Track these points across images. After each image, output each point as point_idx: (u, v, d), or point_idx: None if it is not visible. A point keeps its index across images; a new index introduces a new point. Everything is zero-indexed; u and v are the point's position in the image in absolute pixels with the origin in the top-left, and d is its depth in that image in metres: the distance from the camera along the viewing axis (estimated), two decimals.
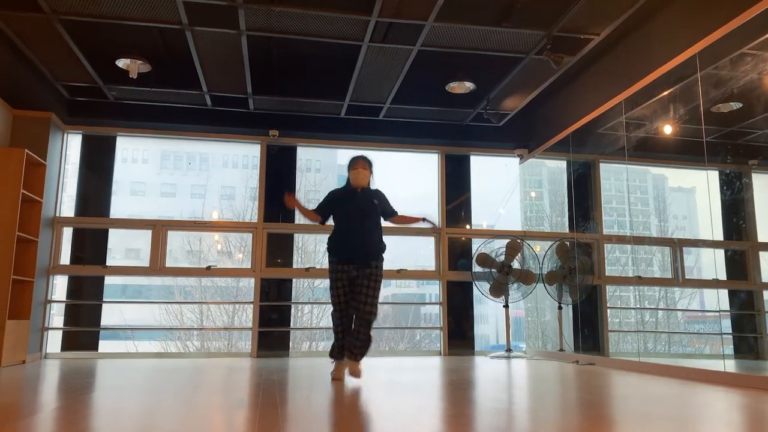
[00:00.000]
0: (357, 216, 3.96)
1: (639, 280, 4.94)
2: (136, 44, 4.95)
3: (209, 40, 4.82)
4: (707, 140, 4.07)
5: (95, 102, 6.15)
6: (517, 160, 7.12)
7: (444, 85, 5.71)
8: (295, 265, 6.58)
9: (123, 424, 2.28)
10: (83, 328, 6.15)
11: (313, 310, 9.05)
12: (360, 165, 3.99)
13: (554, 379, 4.11)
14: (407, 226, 4.13)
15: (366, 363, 4.22)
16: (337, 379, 3.84)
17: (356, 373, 3.79)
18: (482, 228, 7.08)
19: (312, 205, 4.17)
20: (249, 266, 6.41)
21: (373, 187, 4.10)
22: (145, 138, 6.73)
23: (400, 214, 4.15)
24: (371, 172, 4.05)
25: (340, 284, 3.90)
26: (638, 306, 5.04)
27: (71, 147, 6.34)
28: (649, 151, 5.01)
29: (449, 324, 6.60)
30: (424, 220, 4.11)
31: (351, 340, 3.85)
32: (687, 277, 4.60)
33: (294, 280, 6.67)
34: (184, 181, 10.39)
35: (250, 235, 6.49)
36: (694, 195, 4.57)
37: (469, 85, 5.68)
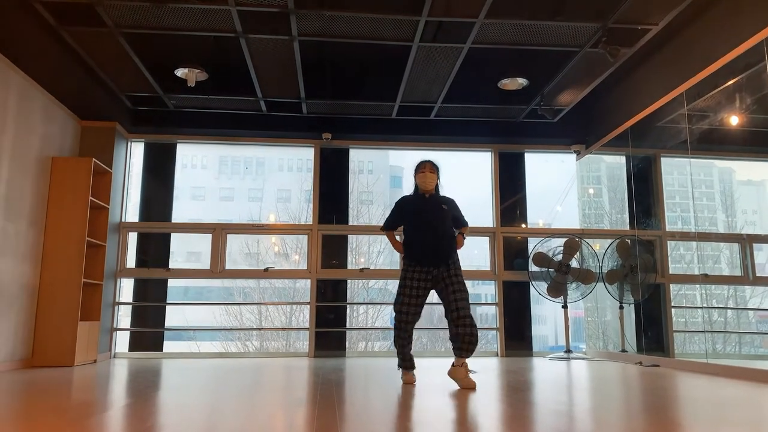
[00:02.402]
0: (429, 221, 3.87)
1: (706, 278, 4.74)
2: (194, 54, 5.11)
3: (263, 46, 4.93)
4: None
5: (156, 111, 6.39)
6: (574, 156, 6.96)
7: (496, 82, 5.64)
8: (349, 266, 6.64)
9: (189, 421, 2.35)
10: (149, 329, 6.39)
11: (368, 311, 9.11)
12: (427, 168, 3.92)
13: (617, 381, 3.99)
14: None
15: (422, 364, 4.21)
16: (408, 383, 3.73)
17: (471, 385, 3.57)
18: (538, 226, 6.95)
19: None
20: (305, 267, 6.52)
21: (442, 193, 4.02)
22: (203, 144, 6.94)
23: (465, 233, 4.06)
24: (438, 176, 3.97)
25: (410, 285, 3.77)
26: (705, 305, 4.83)
27: (134, 155, 6.61)
28: (714, 143, 4.79)
29: (506, 324, 6.51)
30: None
31: (461, 339, 3.62)
32: (758, 274, 4.38)
33: (349, 281, 6.72)
34: (241, 185, 10.64)
35: (306, 236, 6.60)
36: (764, 188, 4.34)
37: (522, 81, 5.58)
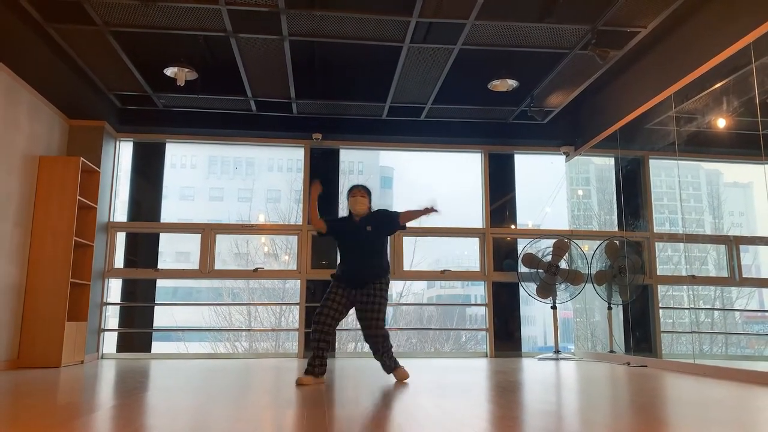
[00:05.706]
0: (356, 246, 4.07)
1: (693, 279, 4.78)
2: (183, 53, 5.09)
3: (253, 46, 4.91)
4: (764, 133, 3.90)
5: (145, 110, 6.34)
6: (563, 157, 6.99)
7: (486, 84, 5.65)
8: None
9: (177, 422, 2.34)
10: (137, 330, 6.35)
11: None
12: (358, 193, 4.09)
13: (605, 381, 4.01)
14: (419, 218, 4.21)
15: (412, 364, 4.22)
16: (301, 384, 3.73)
17: (405, 376, 3.95)
18: (528, 227, 6.98)
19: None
20: (295, 268, 6.50)
21: (374, 209, 4.15)
22: (193, 144, 6.91)
23: (403, 212, 4.13)
24: (370, 199, 4.11)
25: (332, 303, 3.96)
26: (692, 306, 4.87)
27: (123, 154, 6.56)
28: (702, 145, 4.83)
29: (495, 325, 6.53)
30: (430, 210, 4.04)
31: (384, 364, 3.98)
32: (744, 275, 4.42)
33: None
34: (231, 185, 10.59)
35: (295, 237, 6.58)
36: (751, 190, 4.38)
37: (512, 83, 5.60)
